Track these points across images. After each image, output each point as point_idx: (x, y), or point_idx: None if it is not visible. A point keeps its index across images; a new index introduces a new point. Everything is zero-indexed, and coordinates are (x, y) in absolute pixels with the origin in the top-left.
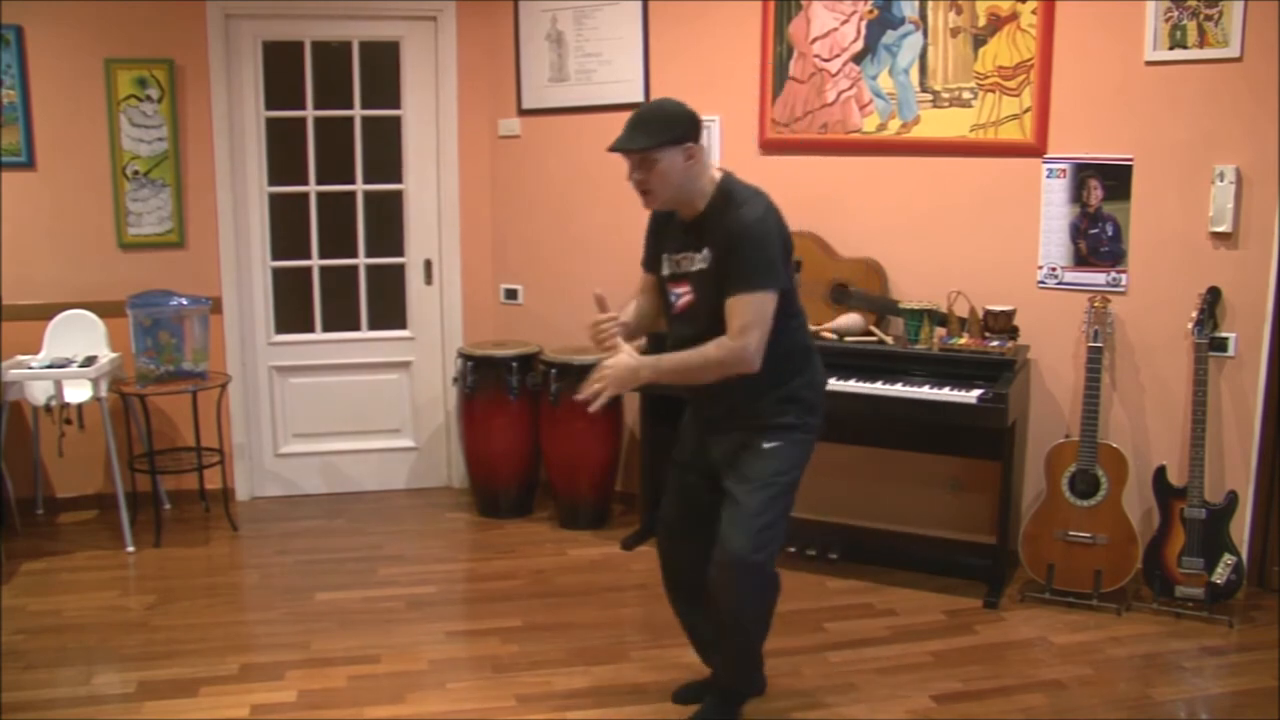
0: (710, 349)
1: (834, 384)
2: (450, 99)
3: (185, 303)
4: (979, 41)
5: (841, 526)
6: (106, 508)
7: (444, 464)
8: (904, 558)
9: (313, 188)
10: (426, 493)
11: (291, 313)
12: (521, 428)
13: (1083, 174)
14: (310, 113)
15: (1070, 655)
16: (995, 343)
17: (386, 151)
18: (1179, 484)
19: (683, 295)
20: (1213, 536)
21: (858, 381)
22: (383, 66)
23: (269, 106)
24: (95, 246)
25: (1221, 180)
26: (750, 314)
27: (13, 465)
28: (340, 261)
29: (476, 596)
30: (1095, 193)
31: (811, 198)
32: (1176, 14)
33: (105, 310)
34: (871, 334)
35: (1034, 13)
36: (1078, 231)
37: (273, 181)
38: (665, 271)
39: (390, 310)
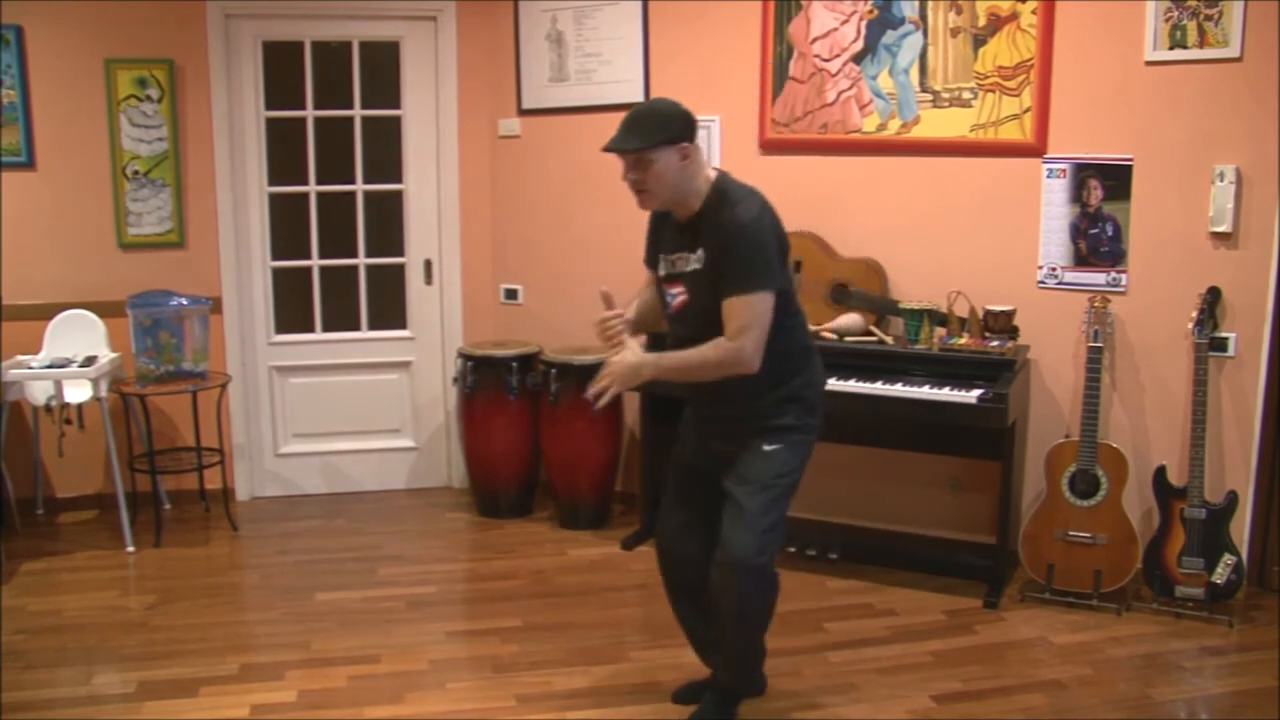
0: (708, 350)
1: (834, 384)
2: (450, 99)
3: (185, 303)
4: (979, 41)
5: (841, 526)
6: (106, 508)
7: (444, 464)
8: (904, 558)
9: (313, 188)
10: (426, 493)
11: (291, 313)
12: (521, 428)
13: (1083, 174)
14: (310, 113)
15: (1070, 655)
16: (995, 343)
17: (386, 151)
18: (1179, 484)
19: (677, 296)
20: (1213, 536)
21: (858, 381)
22: (383, 66)
23: (269, 106)
24: (95, 246)
25: (1221, 180)
26: (747, 315)
27: (13, 465)
28: (340, 261)
29: (476, 596)
30: (1095, 193)
31: (811, 198)
32: (1176, 14)
33: (105, 310)
34: (871, 334)
35: (1034, 13)
36: (1078, 231)
37: (273, 181)
38: (661, 272)
39: (390, 310)
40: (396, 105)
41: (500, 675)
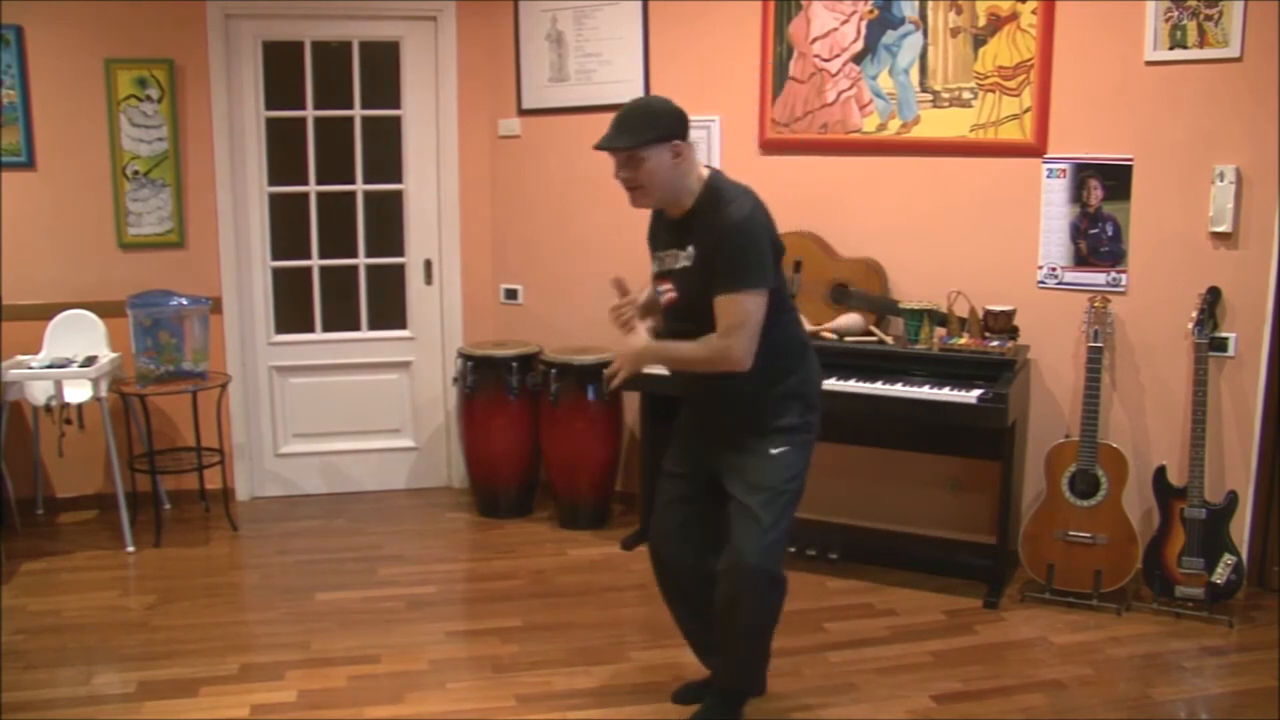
0: (699, 346)
1: (834, 384)
2: (450, 99)
3: (185, 303)
4: (979, 41)
5: (841, 526)
6: (106, 508)
7: (444, 464)
8: (904, 558)
9: (313, 188)
10: (426, 493)
11: (291, 313)
12: (521, 428)
13: (1083, 174)
14: (310, 113)
15: (1070, 655)
16: (995, 343)
17: (386, 151)
18: (1179, 484)
19: (666, 293)
20: (1213, 536)
21: (858, 381)
22: (383, 66)
23: (269, 106)
24: (95, 246)
25: (1221, 180)
26: (736, 315)
27: (13, 465)
28: (340, 261)
29: (476, 596)
30: (1095, 193)
31: (811, 198)
32: (1176, 14)
33: (105, 310)
34: (871, 334)
35: (1034, 13)
36: (1078, 231)
37: (273, 181)
38: (653, 269)
39: (390, 310)
40: (396, 105)
41: (500, 675)
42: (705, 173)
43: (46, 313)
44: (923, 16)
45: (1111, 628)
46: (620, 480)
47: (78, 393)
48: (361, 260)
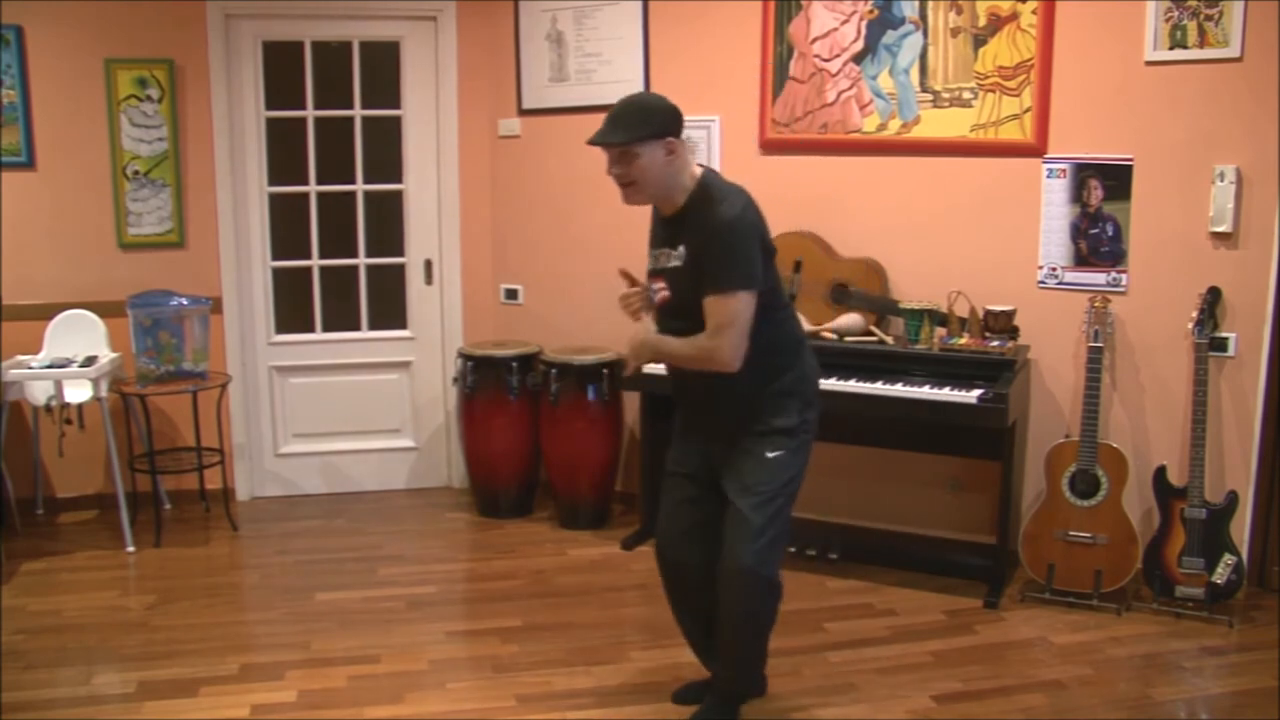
0: (690, 345)
1: (834, 384)
2: (450, 99)
3: (185, 303)
4: (979, 41)
5: (841, 526)
6: (106, 508)
7: (444, 464)
8: (904, 558)
9: (313, 188)
10: (426, 493)
11: (291, 313)
12: (521, 428)
13: (1083, 174)
14: (310, 113)
15: (1070, 655)
16: (995, 343)
17: (386, 151)
18: (1179, 484)
19: (659, 291)
20: (1213, 536)
21: (858, 381)
22: (383, 66)
23: (269, 106)
24: (95, 246)
25: (1221, 180)
26: (723, 316)
27: (13, 465)
28: (340, 261)
29: (476, 596)
30: (1095, 193)
31: (811, 198)
32: (1176, 14)
33: (105, 310)
34: (872, 334)
35: (1034, 13)
36: (1078, 231)
37: (273, 181)
38: (647, 266)
39: (390, 310)
40: (396, 105)
41: (500, 675)
42: (698, 171)
43: (46, 313)
44: (923, 16)
45: (1111, 628)
46: (620, 480)
47: (78, 393)
48: (361, 260)
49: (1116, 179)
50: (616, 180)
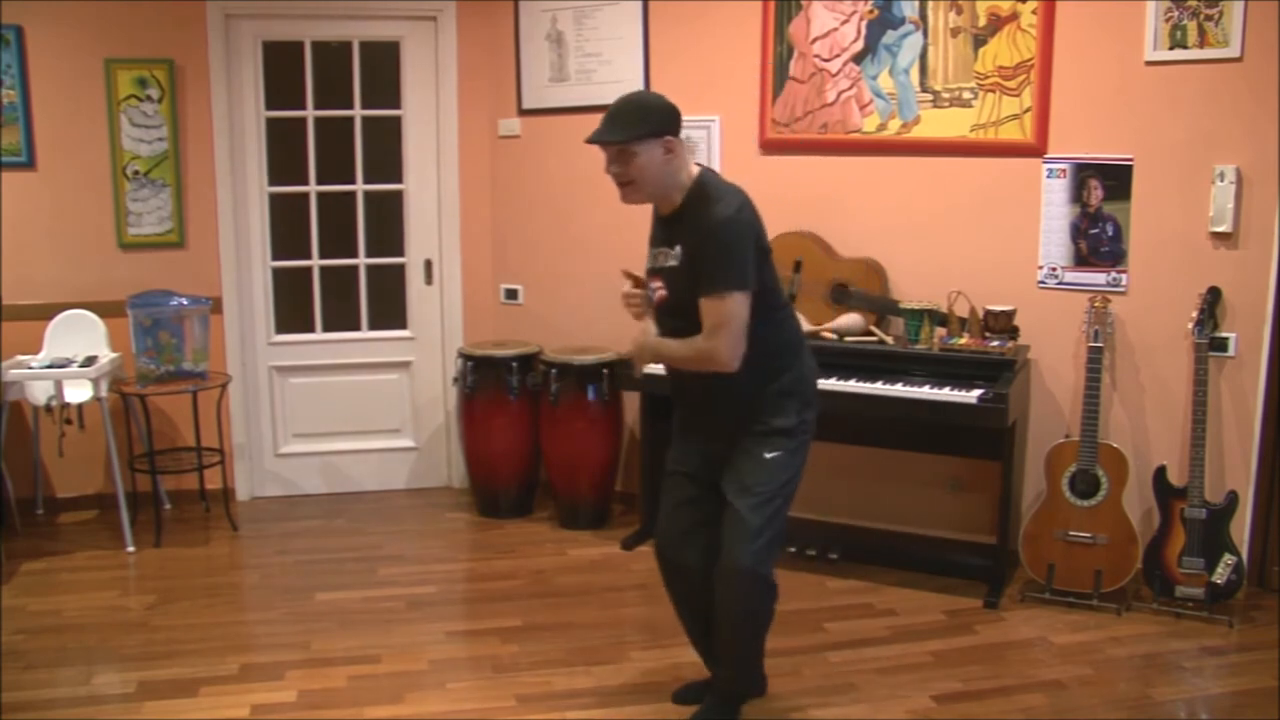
0: (687, 346)
1: (834, 384)
2: (450, 99)
3: (185, 303)
4: (979, 41)
5: (841, 526)
6: (106, 508)
7: (444, 464)
8: (904, 558)
9: (313, 188)
10: (426, 493)
11: (291, 313)
12: (521, 428)
13: (1083, 174)
14: (310, 113)
15: (1070, 655)
16: (995, 343)
17: (386, 151)
18: (1179, 484)
19: (657, 291)
20: (1213, 536)
21: (858, 381)
22: (383, 66)
23: (269, 106)
24: (95, 246)
25: (1221, 180)
26: (718, 317)
27: (13, 465)
28: (340, 261)
29: (476, 596)
30: (1095, 193)
31: (811, 198)
32: (1176, 14)
33: (105, 310)
34: (872, 334)
35: (1034, 13)
36: (1078, 231)
37: (273, 181)
38: (646, 265)
39: (390, 310)
40: (396, 105)
41: (500, 675)
42: (696, 170)
43: (46, 313)
44: (923, 16)
45: (1111, 628)
46: (620, 480)
47: (78, 393)
48: (361, 260)
49: (1116, 179)
50: (614, 179)
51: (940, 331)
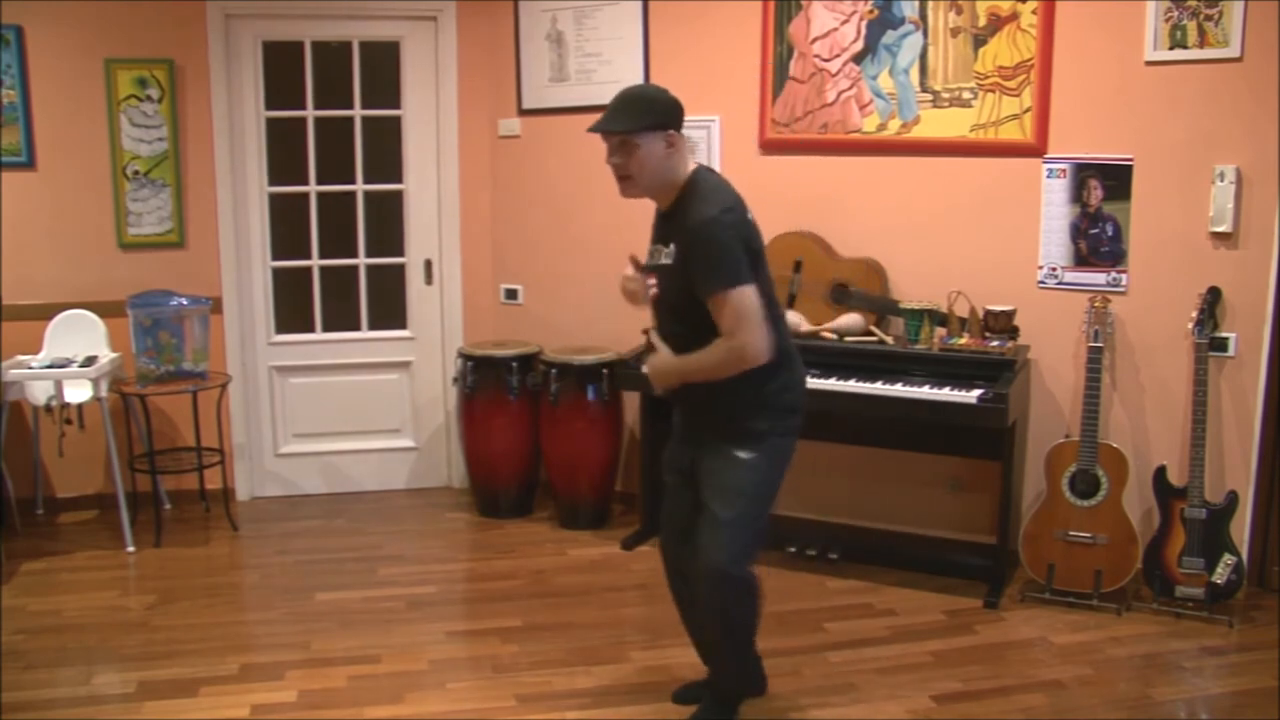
0: (712, 352)
1: (834, 384)
2: (450, 99)
3: (185, 303)
4: (979, 41)
5: (841, 526)
6: (106, 508)
7: (444, 464)
8: (904, 558)
9: (313, 188)
10: (426, 493)
11: (291, 313)
12: (521, 428)
13: (1083, 174)
14: (310, 113)
15: (1070, 655)
16: (995, 343)
17: (386, 151)
18: (1179, 484)
19: (652, 288)
20: (1213, 536)
21: (858, 381)
22: (383, 66)
23: (269, 106)
24: (95, 246)
25: (1221, 180)
26: (730, 312)
27: (13, 465)
28: (340, 261)
29: (476, 596)
30: (1095, 193)
31: (811, 198)
32: (1176, 14)
33: (105, 310)
34: (872, 334)
35: (1034, 13)
36: (1078, 231)
37: (273, 181)
38: (645, 261)
39: (390, 310)
40: (396, 105)
41: (500, 675)
42: (693, 168)
43: (46, 313)
44: (923, 16)
45: (1111, 628)
46: (620, 480)
47: (78, 393)
48: (361, 260)
49: (1116, 179)
50: (614, 170)
51: (940, 331)
